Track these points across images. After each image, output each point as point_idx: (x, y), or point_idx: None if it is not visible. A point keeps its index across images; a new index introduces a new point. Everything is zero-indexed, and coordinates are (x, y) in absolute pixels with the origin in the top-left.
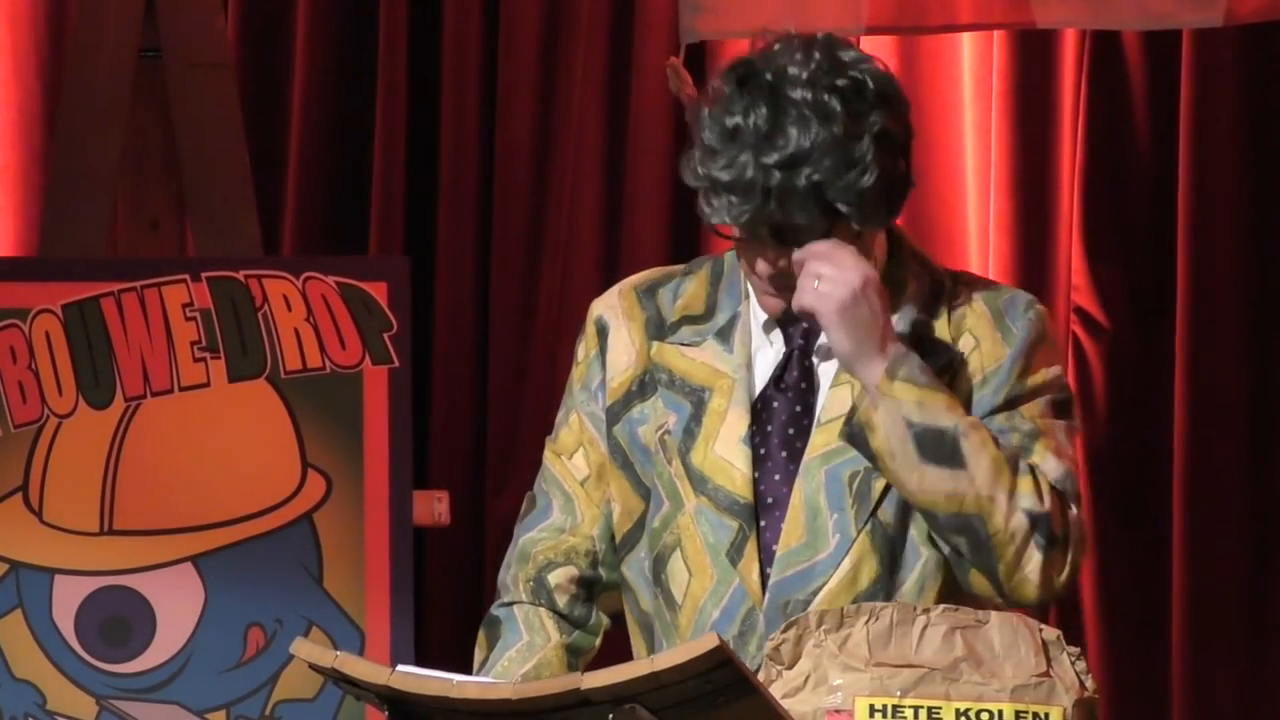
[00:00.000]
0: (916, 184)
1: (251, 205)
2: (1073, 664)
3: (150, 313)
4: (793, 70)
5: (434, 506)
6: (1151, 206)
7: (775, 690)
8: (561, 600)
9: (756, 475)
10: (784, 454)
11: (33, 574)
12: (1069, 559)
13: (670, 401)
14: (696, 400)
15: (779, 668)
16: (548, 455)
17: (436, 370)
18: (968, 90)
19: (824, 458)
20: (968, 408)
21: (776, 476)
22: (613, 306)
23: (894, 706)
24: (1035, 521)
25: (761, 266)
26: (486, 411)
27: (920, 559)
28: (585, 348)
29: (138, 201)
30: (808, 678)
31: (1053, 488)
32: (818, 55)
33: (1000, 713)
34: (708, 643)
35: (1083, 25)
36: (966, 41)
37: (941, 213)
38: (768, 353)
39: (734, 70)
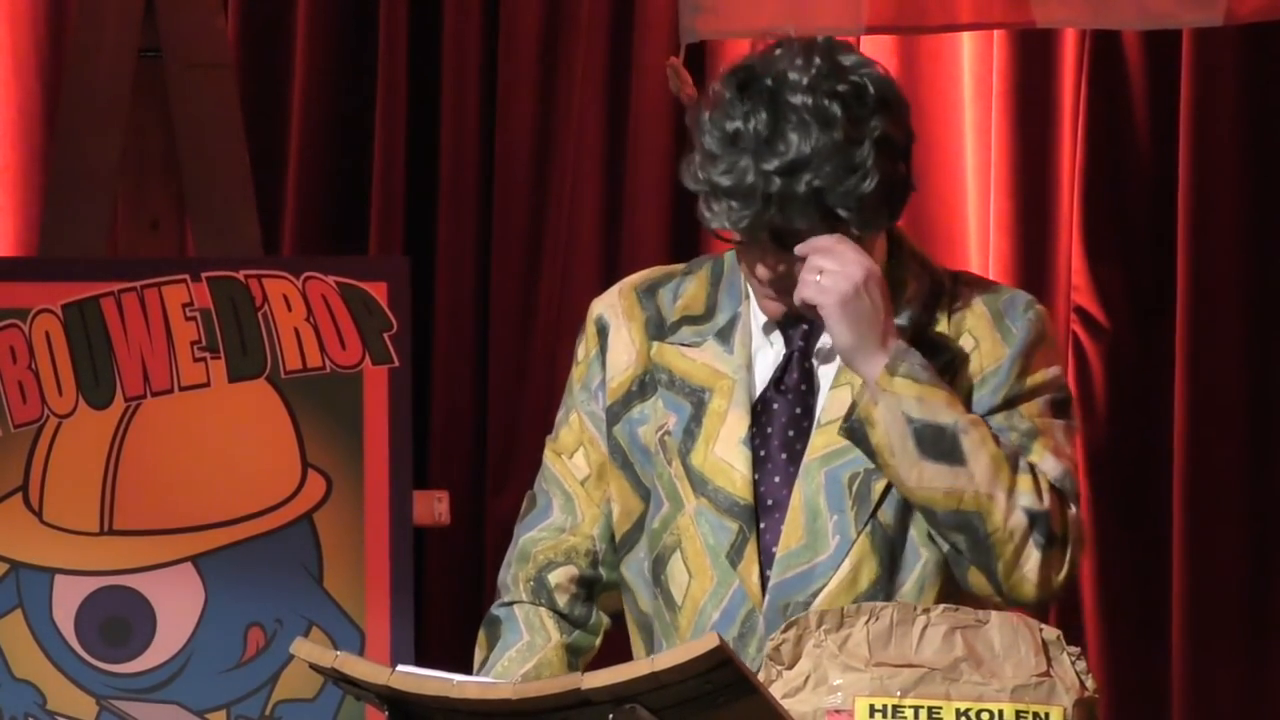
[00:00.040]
0: (917, 187)
1: (251, 205)
2: (1073, 664)
3: (150, 313)
4: (793, 75)
5: (434, 506)
6: (1151, 206)
7: (775, 690)
8: (562, 600)
9: (756, 477)
10: (784, 456)
11: (33, 574)
12: (1067, 558)
13: (670, 402)
14: (697, 401)
15: (779, 668)
16: (548, 455)
17: (436, 370)
18: (968, 90)
19: (824, 459)
20: (967, 407)
21: (776, 478)
22: (613, 306)
23: (894, 706)
24: (1034, 520)
25: (761, 271)
26: (486, 411)
27: (920, 560)
28: (585, 347)
29: (138, 201)
30: (808, 678)
31: (1052, 486)
32: (818, 60)
33: (1000, 713)
34: (708, 643)
35: (1083, 25)
36: (966, 41)
37: (941, 213)
38: (768, 354)
39: (734, 75)
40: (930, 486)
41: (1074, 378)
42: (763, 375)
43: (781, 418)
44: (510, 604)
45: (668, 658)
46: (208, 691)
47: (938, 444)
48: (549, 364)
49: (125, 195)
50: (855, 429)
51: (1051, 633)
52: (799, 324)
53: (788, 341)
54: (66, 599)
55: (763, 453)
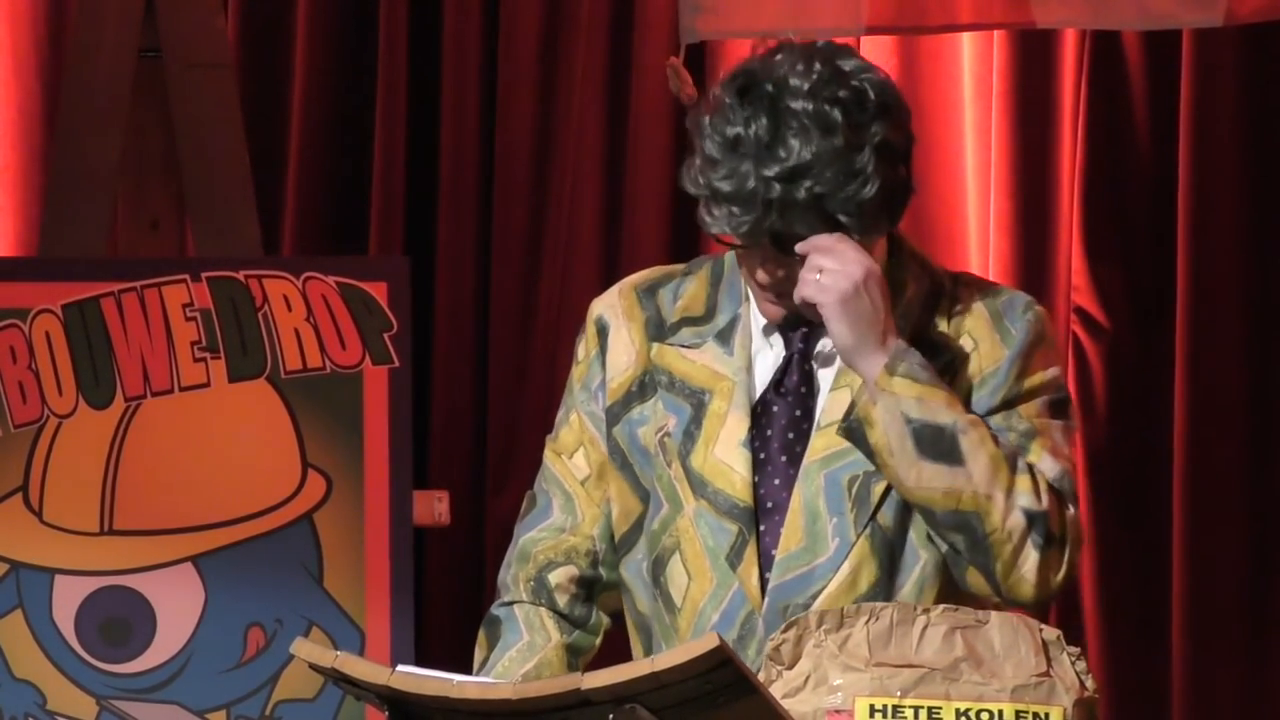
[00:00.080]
0: (917, 190)
1: (251, 205)
2: (1073, 664)
3: (150, 313)
4: (794, 81)
5: (434, 506)
6: (1151, 206)
7: (775, 690)
8: (562, 600)
9: (756, 479)
10: (784, 458)
11: (33, 574)
12: (1066, 558)
13: (670, 404)
14: (696, 403)
15: (779, 668)
16: (548, 454)
17: (436, 370)
18: (968, 90)
19: (823, 461)
20: (966, 408)
21: (776, 481)
22: (613, 306)
23: (894, 706)
24: (1033, 520)
25: (762, 276)
26: (486, 411)
27: (919, 562)
28: (585, 347)
29: (138, 201)
30: (808, 678)
31: (1050, 487)
32: (819, 65)
33: (1000, 713)
34: (708, 643)
35: (1083, 25)
36: (966, 41)
37: (941, 213)
38: (768, 355)
39: (734, 80)
40: (929, 487)
41: (1074, 378)
42: (762, 377)
43: (781, 420)
44: (510, 604)
45: (668, 658)
46: (208, 691)
47: (936, 444)
48: (549, 364)
49: (125, 195)
50: (854, 429)
51: (1051, 633)
52: (799, 327)
53: (787, 343)
54: (66, 599)
55: (762, 455)
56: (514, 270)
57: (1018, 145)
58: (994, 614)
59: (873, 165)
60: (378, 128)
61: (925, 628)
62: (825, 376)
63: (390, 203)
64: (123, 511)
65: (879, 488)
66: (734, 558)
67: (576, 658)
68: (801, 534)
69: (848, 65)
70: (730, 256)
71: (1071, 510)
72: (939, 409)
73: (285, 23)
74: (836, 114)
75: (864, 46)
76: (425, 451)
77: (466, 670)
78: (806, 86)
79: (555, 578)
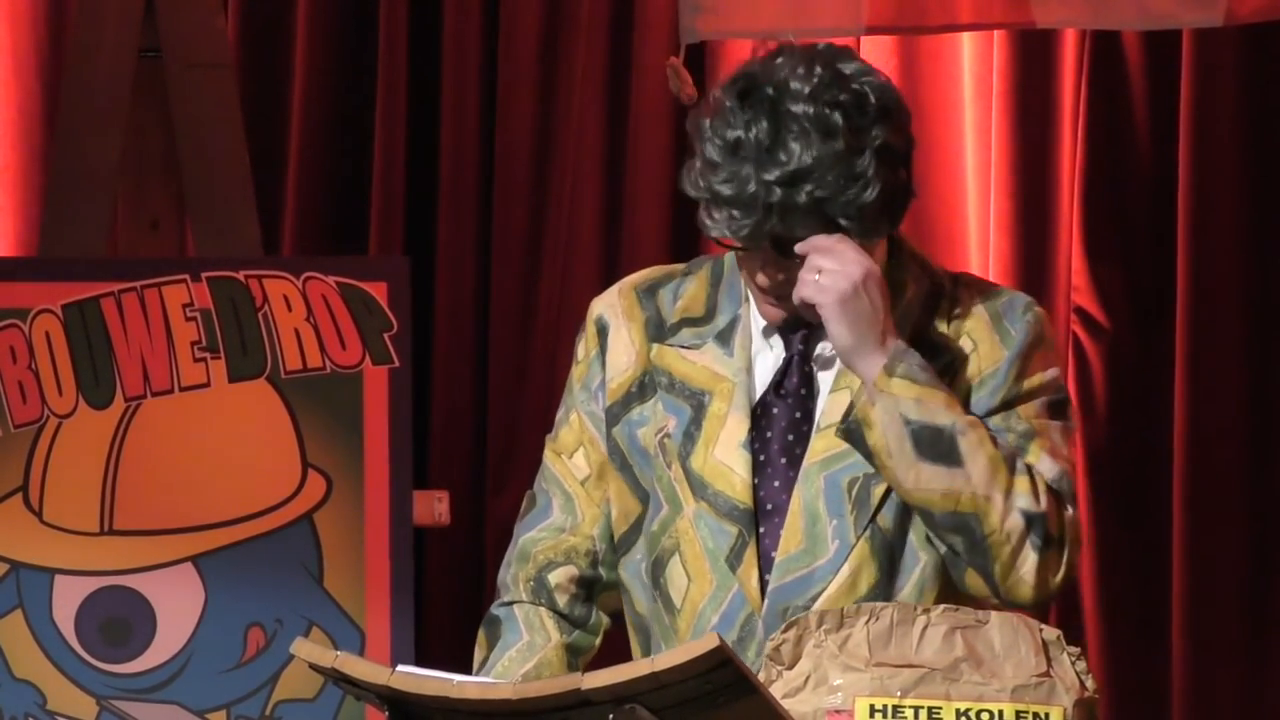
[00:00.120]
0: (917, 193)
1: (251, 205)
2: (1073, 664)
3: (150, 313)
4: (794, 84)
5: (434, 506)
6: (1151, 206)
7: (775, 690)
8: (562, 600)
9: (756, 481)
10: (783, 460)
11: (33, 574)
12: (1064, 559)
13: (670, 405)
14: (696, 404)
15: (779, 668)
16: (548, 454)
17: (436, 370)
18: (968, 90)
19: (823, 463)
20: (966, 409)
21: (776, 482)
22: (613, 306)
23: (894, 706)
24: (1031, 521)
25: (762, 279)
26: (486, 411)
27: (919, 564)
28: (585, 347)
29: (138, 201)
30: (808, 678)
31: (1049, 488)
32: (819, 68)
33: (1000, 713)
34: (708, 643)
35: (1083, 25)
36: (966, 41)
37: (941, 213)
38: (767, 357)
39: (735, 83)
40: (927, 488)
41: (1074, 378)
42: (762, 379)
43: (781, 422)
44: (510, 604)
45: (668, 658)
46: (208, 691)
47: (935, 445)
48: (549, 364)
49: (125, 195)
50: (852, 430)
51: (1051, 633)
52: (799, 329)
53: (787, 345)
54: (67, 599)
55: (762, 457)
56: (514, 270)
57: (1018, 145)
58: (994, 614)
59: (873, 169)
60: (378, 128)
61: (925, 628)
62: (825, 379)
63: (390, 203)
64: (123, 511)
65: (879, 490)
66: (734, 559)
67: (576, 658)
68: (801, 536)
69: (848, 68)
70: (730, 257)
71: (1070, 511)
72: (938, 410)
73: (285, 23)
74: (837, 117)
75: (864, 46)
76: (425, 451)
77: (466, 670)
78: (807, 90)
79: (555, 578)
